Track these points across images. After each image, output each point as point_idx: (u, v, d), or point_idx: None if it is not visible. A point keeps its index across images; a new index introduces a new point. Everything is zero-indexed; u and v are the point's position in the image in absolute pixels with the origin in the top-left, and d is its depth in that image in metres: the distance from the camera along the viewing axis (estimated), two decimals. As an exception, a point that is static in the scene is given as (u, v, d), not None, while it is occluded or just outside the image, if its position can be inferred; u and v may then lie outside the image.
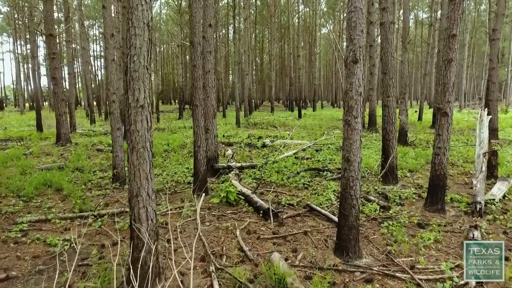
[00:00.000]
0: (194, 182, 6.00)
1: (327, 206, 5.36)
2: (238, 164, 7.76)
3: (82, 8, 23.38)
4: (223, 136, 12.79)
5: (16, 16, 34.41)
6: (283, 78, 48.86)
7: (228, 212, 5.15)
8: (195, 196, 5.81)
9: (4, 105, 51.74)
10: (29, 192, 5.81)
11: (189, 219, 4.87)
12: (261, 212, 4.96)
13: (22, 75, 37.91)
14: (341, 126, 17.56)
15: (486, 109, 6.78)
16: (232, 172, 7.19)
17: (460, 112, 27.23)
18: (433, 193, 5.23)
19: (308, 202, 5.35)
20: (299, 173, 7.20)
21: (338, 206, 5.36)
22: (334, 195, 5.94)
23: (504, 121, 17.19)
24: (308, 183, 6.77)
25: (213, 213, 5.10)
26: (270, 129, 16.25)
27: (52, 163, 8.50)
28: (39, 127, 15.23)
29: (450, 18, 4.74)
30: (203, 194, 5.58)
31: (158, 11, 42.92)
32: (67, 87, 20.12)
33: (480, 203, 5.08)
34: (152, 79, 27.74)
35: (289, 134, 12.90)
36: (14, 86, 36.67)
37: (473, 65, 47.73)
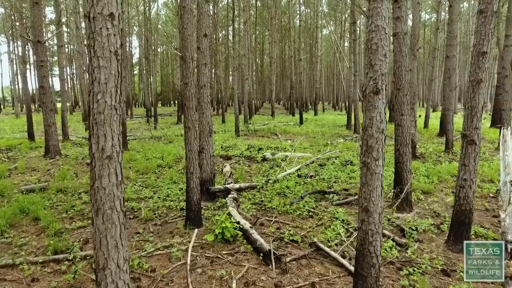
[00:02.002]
0: (186, 212, 5.37)
1: (336, 244, 4.73)
2: (237, 186, 7.13)
3: (80, 10, 22.76)
4: (221, 147, 12.16)
5: (13, 17, 33.81)
6: (284, 79, 48.26)
7: (224, 252, 4.51)
8: (187, 229, 5.19)
9: (1, 106, 51.19)
10: (1, 224, 5.18)
11: (179, 263, 4.24)
12: (262, 254, 4.33)
13: (18, 78, 37.25)
14: (344, 133, 16.95)
15: (510, 128, 6.13)
16: (229, 196, 6.56)
17: (466, 116, 26.60)
18: (456, 230, 4.60)
19: (315, 240, 4.72)
20: (303, 197, 6.56)
21: (349, 244, 4.75)
22: (343, 227, 5.31)
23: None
24: (313, 209, 6.14)
25: (206, 254, 4.47)
26: (270, 138, 15.62)
27: (36, 182, 7.88)
28: (31, 135, 14.60)
29: (479, 33, 4.11)
30: (196, 230, 4.95)
31: (158, 12, 42.33)
32: (65, 89, 19.48)
33: (511, 242, 4.45)
34: (152, 80, 27.10)
35: (290, 146, 12.26)
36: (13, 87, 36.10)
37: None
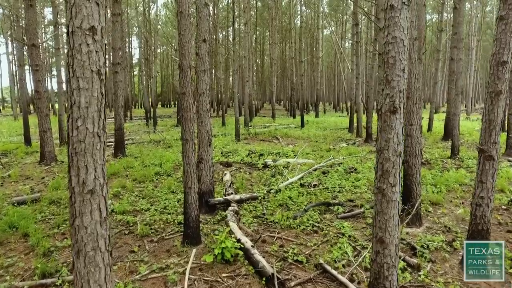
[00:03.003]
0: (184, 229, 5.08)
1: (343, 265, 4.44)
2: (237, 197, 6.83)
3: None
4: (221, 153, 11.86)
5: (12, 18, 33.50)
6: (284, 79, 47.97)
7: (224, 275, 4.22)
8: (185, 247, 4.90)
9: (1, 107, 50.92)
10: (-13, 243, 4.89)
11: (175, 288, 3.95)
12: (264, 279, 4.03)
13: (17, 79, 36.94)
14: (346, 137, 16.64)
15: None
16: (230, 208, 6.27)
17: (469, 119, 26.29)
18: (472, 250, 4.29)
19: (321, 261, 4.42)
20: (307, 210, 6.27)
21: (357, 266, 4.46)
22: (350, 244, 5.02)
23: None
24: (317, 223, 5.84)
25: (205, 278, 4.17)
26: (271, 142, 15.32)
27: (28, 192, 7.59)
28: (27, 139, 14.32)
29: (499, 41, 3.81)
30: (194, 250, 4.65)
31: (157, 13, 42.03)
32: (62, 91, 19.19)
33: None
34: (151, 82, 26.79)
35: (292, 151, 11.96)
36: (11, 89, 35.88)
37: (478, 69, 46.73)
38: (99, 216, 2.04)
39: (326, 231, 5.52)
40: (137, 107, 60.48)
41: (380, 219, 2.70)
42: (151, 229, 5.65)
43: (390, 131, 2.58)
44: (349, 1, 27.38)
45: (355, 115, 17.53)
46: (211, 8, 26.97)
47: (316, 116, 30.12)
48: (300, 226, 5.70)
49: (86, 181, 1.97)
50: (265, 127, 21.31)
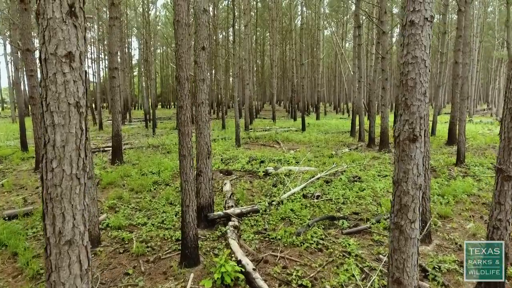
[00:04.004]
0: (182, 249, 4.81)
1: (351, 291, 4.17)
2: (238, 210, 6.56)
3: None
4: (221, 160, 11.59)
5: (9, 21, 33.24)
6: (285, 80, 47.70)
7: (224, 303, 3.95)
8: (182, 269, 4.63)
9: (0, 109, 50.70)
10: (-27, 265, 4.62)
11: (171, 318, 3.68)
12: (267, 308, 3.76)
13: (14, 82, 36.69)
14: (348, 141, 16.36)
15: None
16: (230, 223, 6.00)
17: (472, 121, 26.01)
18: (489, 276, 4.02)
19: (327, 287, 4.14)
20: (310, 226, 5.99)
21: (365, 292, 4.19)
22: (357, 265, 4.75)
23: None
24: (321, 240, 5.57)
25: (203, 306, 3.90)
26: (272, 147, 15.05)
27: (21, 204, 7.32)
28: (23, 144, 14.05)
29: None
30: (192, 274, 4.38)
31: (157, 14, 41.78)
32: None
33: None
34: (150, 84, 26.51)
35: (294, 158, 11.68)
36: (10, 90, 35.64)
37: (479, 70, 46.47)
38: (79, 269, 1.77)
39: (332, 249, 5.25)
40: (136, 108, 60.22)
41: (397, 257, 2.43)
42: (148, 246, 5.38)
43: (409, 161, 2.30)
44: (351, 2, 27.12)
45: (357, 118, 17.25)
46: (210, 9, 26.71)
47: (317, 118, 29.85)
48: (304, 243, 5.43)
49: (63, 230, 1.70)
50: (265, 130, 21.05)
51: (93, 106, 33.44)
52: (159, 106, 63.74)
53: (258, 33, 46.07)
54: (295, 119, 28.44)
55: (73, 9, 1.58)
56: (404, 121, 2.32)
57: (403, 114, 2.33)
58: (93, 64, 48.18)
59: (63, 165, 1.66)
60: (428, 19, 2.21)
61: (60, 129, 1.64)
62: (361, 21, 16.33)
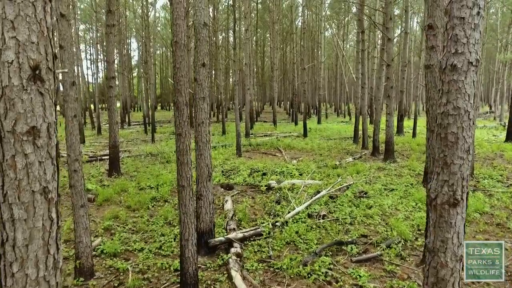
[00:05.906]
0: (180, 286, 4.45)
1: (365, 338, 3.81)
2: (240, 235, 6.20)
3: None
4: (222, 172, 11.22)
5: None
6: (285, 81, 47.36)
7: None
8: (181, 309, 4.27)
9: None
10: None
11: None
12: None
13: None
14: (352, 149, 15.99)
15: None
16: (232, 250, 5.64)
17: (476, 126, 25.65)
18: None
19: (340, 334, 3.79)
20: (317, 253, 5.63)
21: None
22: (370, 304, 4.39)
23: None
24: (329, 269, 5.22)
25: None
26: (274, 155, 14.69)
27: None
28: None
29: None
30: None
31: (157, 15, 41.43)
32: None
33: None
34: (149, 87, 26.15)
35: (297, 170, 11.33)
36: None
37: (482, 72, 46.13)
38: None
39: (341, 282, 4.89)
40: (136, 109, 59.88)
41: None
42: (144, 278, 5.03)
43: (448, 229, 1.95)
44: (352, 4, 26.76)
45: (360, 125, 16.90)
46: (210, 10, 26.34)
47: (318, 122, 29.48)
48: (311, 275, 5.07)
49: None
50: (266, 136, 20.70)
51: (92, 108, 33.07)
52: (159, 107, 63.38)
53: (258, 35, 45.74)
54: (296, 123, 28.07)
55: (37, 72, 1.23)
56: (443, 182, 1.96)
57: (441, 173, 1.97)
58: (92, 65, 47.83)
59: (26, 269, 1.31)
60: (473, 64, 1.86)
61: (21, 224, 1.28)
62: (364, 26, 15.98)
